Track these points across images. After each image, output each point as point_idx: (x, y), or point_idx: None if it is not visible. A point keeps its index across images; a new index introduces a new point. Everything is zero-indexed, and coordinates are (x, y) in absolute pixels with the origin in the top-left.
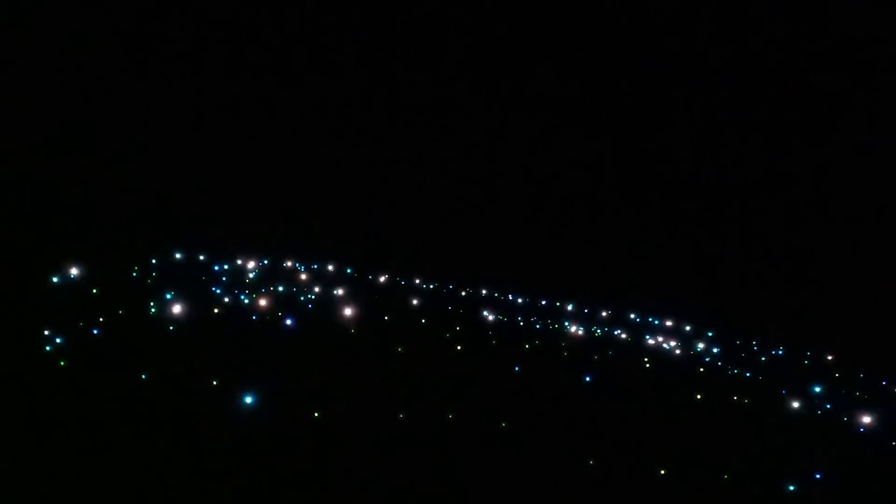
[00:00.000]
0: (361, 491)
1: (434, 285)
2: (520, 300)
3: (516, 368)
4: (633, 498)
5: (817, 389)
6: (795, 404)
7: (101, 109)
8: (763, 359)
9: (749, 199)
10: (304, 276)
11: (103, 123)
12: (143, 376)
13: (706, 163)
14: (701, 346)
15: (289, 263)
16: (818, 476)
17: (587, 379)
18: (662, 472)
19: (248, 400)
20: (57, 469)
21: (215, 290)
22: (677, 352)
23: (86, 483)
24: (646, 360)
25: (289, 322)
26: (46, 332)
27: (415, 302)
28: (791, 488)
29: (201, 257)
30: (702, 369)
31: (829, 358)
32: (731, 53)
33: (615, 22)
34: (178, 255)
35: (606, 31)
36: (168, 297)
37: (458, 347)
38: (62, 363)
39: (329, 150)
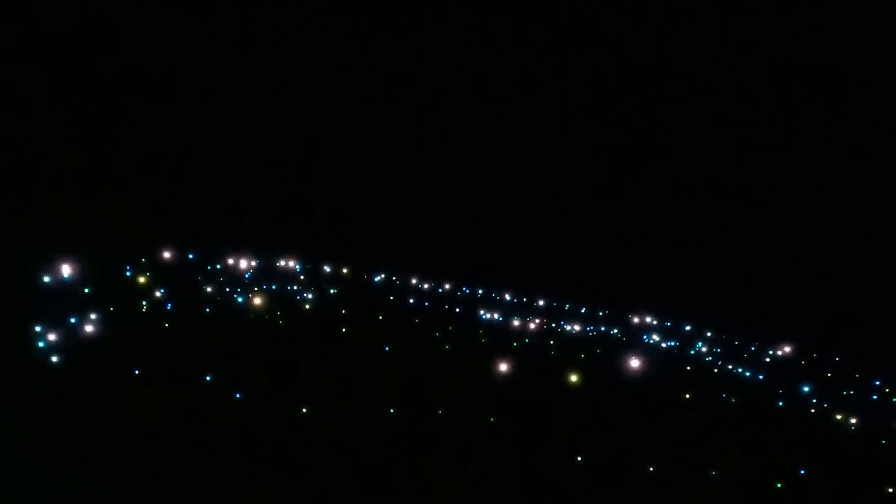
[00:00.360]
0: (353, 486)
1: (430, 284)
2: (515, 300)
3: (502, 368)
4: (623, 495)
5: (806, 389)
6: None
7: (95, 106)
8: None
9: (748, 198)
10: (299, 276)
11: (97, 120)
12: (136, 371)
13: (706, 161)
14: (699, 345)
15: (282, 262)
16: (803, 472)
17: (575, 378)
18: (651, 468)
19: (239, 396)
20: (49, 464)
21: (207, 289)
22: (675, 351)
23: (79, 477)
24: (633, 358)
25: (281, 322)
26: (38, 329)
27: (410, 301)
28: (779, 486)
29: (193, 255)
30: (688, 367)
31: (820, 357)
32: (730, 52)
33: (612, 20)
34: (170, 254)
35: (602, 29)
36: (160, 294)
37: (447, 347)
38: (54, 359)
39: (325, 148)
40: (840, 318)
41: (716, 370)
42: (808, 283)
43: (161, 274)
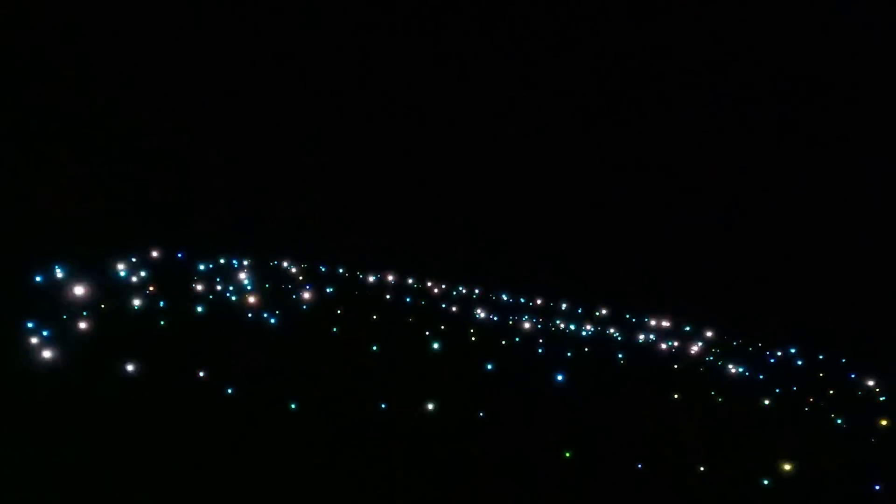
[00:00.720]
0: (343, 483)
1: (426, 284)
2: (511, 299)
3: (489, 367)
4: (614, 493)
5: (795, 388)
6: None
7: (83, 104)
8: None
9: (746, 197)
10: (294, 275)
11: (86, 119)
12: (130, 368)
13: (705, 159)
14: (699, 345)
15: (276, 262)
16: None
17: (560, 378)
18: (640, 465)
19: (230, 391)
20: (39, 459)
21: (199, 287)
22: (673, 351)
23: (70, 474)
24: (620, 356)
25: (273, 321)
26: (30, 325)
27: (407, 300)
28: (766, 482)
29: (188, 255)
30: (676, 366)
31: (813, 356)
32: (732, 51)
33: (615, 19)
34: (159, 253)
35: (603, 28)
36: (150, 293)
37: (435, 346)
38: (46, 354)
39: (318, 147)
40: (834, 318)
41: (702, 369)
42: (804, 283)
43: (154, 272)
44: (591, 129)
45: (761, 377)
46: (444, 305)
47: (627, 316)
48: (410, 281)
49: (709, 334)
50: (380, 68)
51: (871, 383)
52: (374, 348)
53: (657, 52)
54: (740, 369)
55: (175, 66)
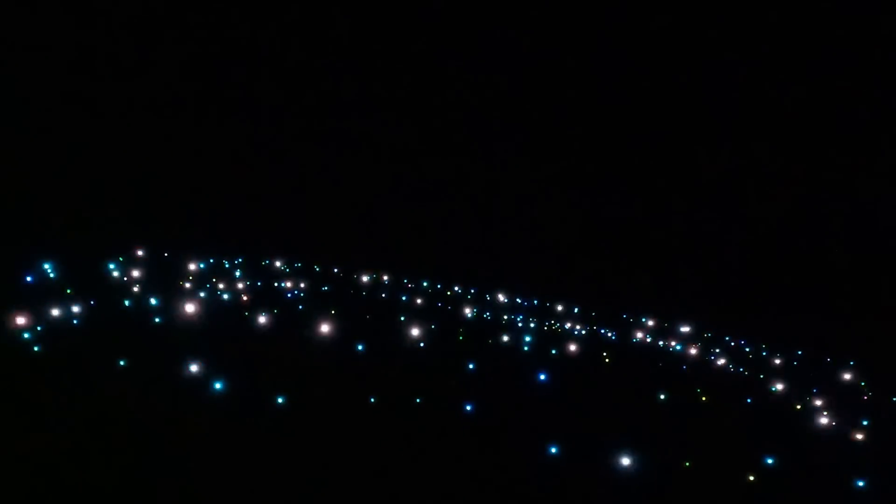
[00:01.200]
0: (333, 481)
1: (421, 284)
2: (507, 299)
3: (471, 366)
4: (603, 492)
5: (780, 387)
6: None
7: (71, 104)
8: (751, 357)
9: (746, 198)
10: (286, 274)
11: (75, 119)
12: (122, 363)
13: (705, 160)
14: (698, 346)
15: (268, 260)
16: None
17: (543, 377)
18: (626, 462)
19: (219, 386)
20: (28, 456)
21: (190, 286)
22: (669, 350)
23: (59, 471)
24: (604, 354)
25: (263, 319)
26: (21, 321)
27: (403, 299)
28: (751, 478)
29: (178, 253)
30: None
31: (804, 354)
32: (731, 50)
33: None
34: (159, 252)
35: (592, 30)
36: (141, 291)
37: (422, 344)
38: (36, 349)
39: (312, 145)
40: (827, 317)
41: (685, 367)
42: (801, 282)
43: (145, 271)
44: (587, 128)
45: (760, 376)
46: (439, 304)
47: (624, 316)
48: (405, 280)
49: (707, 335)
50: (374, 67)
51: (863, 383)
52: (361, 347)
53: (655, 53)
54: (740, 369)
55: (162, 66)
